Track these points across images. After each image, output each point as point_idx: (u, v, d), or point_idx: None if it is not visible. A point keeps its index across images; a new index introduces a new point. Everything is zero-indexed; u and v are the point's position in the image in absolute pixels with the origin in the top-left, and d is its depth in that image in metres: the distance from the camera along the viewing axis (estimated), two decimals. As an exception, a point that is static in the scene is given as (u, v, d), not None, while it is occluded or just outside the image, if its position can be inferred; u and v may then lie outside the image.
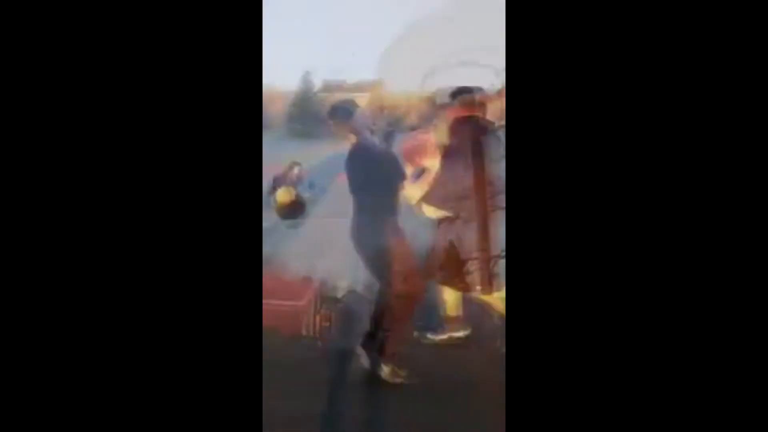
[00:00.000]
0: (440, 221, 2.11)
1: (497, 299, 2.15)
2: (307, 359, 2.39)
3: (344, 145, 2.27)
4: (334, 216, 4.90)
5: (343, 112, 2.11)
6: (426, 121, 2.09)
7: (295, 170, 5.99)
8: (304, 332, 2.77)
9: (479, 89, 2.22)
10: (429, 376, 2.13)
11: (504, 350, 2.11)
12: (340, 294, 2.82)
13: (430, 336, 2.39)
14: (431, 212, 2.04)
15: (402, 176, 1.96)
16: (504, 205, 2.15)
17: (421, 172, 2.00)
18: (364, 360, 2.17)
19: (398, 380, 2.06)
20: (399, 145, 2.05)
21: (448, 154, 1.98)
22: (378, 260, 2.06)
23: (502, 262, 2.04)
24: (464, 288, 2.11)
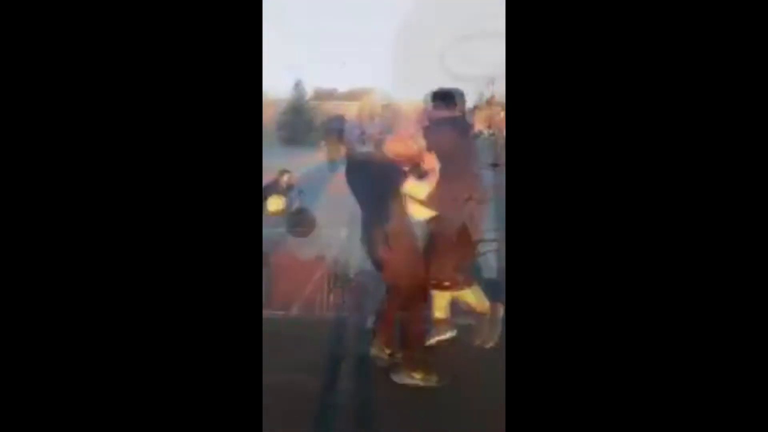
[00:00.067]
0: (428, 221, 2.13)
1: (468, 294, 2.17)
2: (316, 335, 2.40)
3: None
4: (326, 226, 4.92)
5: (334, 131, 2.10)
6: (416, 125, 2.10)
7: (285, 178, 5.98)
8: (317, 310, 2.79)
9: (459, 92, 2.25)
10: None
11: (488, 346, 2.15)
12: (351, 273, 2.84)
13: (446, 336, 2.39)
14: (420, 213, 2.05)
15: (401, 177, 1.94)
16: (487, 199, 2.18)
17: (422, 173, 1.99)
18: (379, 361, 2.18)
19: (416, 382, 2.06)
20: (386, 147, 2.04)
21: (436, 154, 1.99)
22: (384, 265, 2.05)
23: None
24: (452, 285, 2.11)
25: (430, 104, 2.14)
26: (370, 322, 2.55)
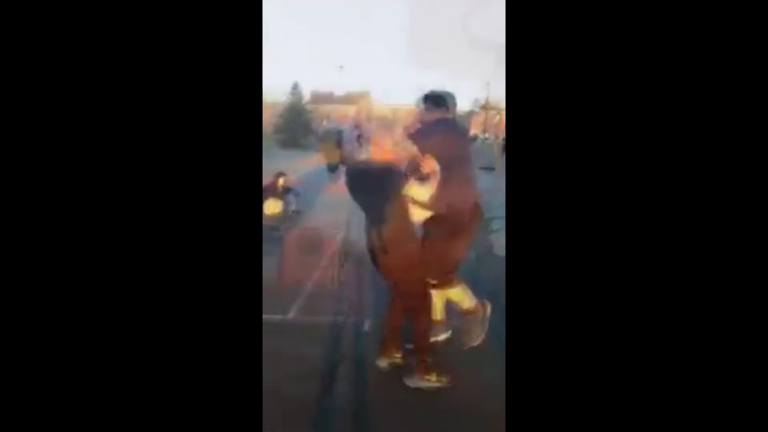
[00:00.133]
0: (424, 222, 2.15)
1: (456, 293, 2.18)
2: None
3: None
4: (323, 227, 4.96)
5: (331, 135, 2.10)
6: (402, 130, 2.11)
7: (281, 180, 6.00)
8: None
9: (450, 94, 2.26)
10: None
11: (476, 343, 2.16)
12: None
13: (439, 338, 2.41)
14: (420, 215, 2.06)
15: (401, 180, 1.95)
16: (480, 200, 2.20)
17: (423, 176, 2.00)
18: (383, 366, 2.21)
19: (431, 385, 2.07)
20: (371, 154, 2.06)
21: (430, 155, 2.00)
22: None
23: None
24: (438, 284, 2.13)
25: (422, 107, 2.15)
26: (367, 326, 2.57)
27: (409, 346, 2.15)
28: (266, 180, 5.63)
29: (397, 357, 2.13)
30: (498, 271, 2.24)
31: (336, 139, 2.04)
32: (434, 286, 2.01)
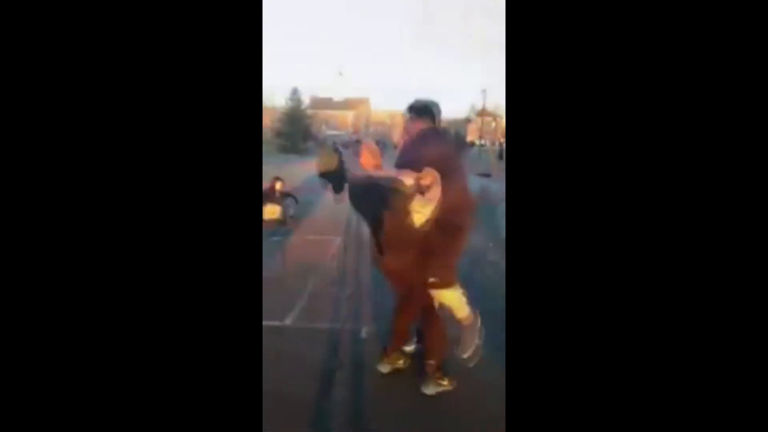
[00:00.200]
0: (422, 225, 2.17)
1: (450, 295, 2.19)
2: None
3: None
4: (320, 233, 4.97)
5: (328, 142, 2.13)
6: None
7: (277, 185, 6.00)
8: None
9: (434, 103, 2.22)
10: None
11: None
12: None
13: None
14: (420, 219, 2.07)
15: (398, 195, 1.99)
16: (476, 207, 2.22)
17: (423, 188, 2.02)
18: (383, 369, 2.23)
19: (445, 389, 2.10)
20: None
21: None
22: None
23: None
24: (435, 284, 2.15)
25: (408, 117, 2.16)
26: (364, 333, 2.57)
27: (411, 348, 2.17)
28: (264, 185, 5.63)
29: (400, 363, 2.13)
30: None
31: (333, 146, 2.06)
32: (433, 285, 2.02)
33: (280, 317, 2.71)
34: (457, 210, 1.99)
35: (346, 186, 2.05)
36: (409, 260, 1.93)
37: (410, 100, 2.15)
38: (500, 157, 16.75)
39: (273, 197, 5.81)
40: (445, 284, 1.95)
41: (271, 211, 5.74)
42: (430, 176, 1.90)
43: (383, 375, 2.09)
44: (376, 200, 1.94)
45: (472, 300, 2.05)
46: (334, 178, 2.05)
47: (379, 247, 1.99)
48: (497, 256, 3.87)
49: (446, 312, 2.02)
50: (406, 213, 1.93)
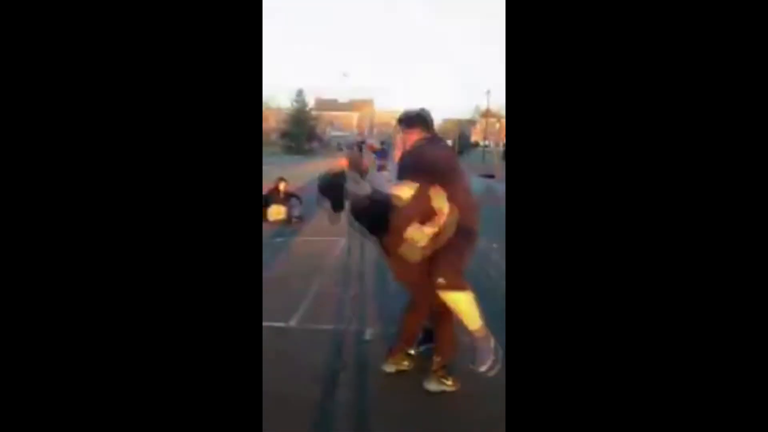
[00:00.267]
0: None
1: (461, 300, 2.20)
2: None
3: (335, 162, 2.33)
4: (325, 234, 4.96)
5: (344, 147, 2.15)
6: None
7: (281, 186, 6.05)
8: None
9: (426, 111, 2.21)
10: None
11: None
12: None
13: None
14: (420, 236, 2.08)
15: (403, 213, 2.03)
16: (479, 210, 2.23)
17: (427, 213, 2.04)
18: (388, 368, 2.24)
19: (447, 388, 2.03)
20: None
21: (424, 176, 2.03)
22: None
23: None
24: (444, 285, 2.16)
25: (399, 130, 2.16)
26: (368, 335, 2.57)
27: (420, 349, 2.18)
28: (268, 186, 5.64)
29: (404, 364, 2.13)
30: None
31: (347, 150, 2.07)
32: (442, 286, 2.01)
33: (285, 318, 2.72)
34: (462, 214, 2.00)
35: (347, 204, 2.05)
36: (415, 266, 1.95)
37: (413, 101, 2.16)
38: (504, 158, 16.64)
39: (278, 198, 5.84)
40: (454, 286, 1.95)
41: (276, 212, 5.76)
42: (435, 199, 1.89)
43: (387, 375, 2.10)
44: (377, 219, 1.96)
45: (475, 300, 2.06)
46: (334, 195, 2.04)
47: (386, 251, 2.01)
48: (501, 258, 3.87)
49: (457, 317, 2.01)
50: (402, 240, 1.94)
